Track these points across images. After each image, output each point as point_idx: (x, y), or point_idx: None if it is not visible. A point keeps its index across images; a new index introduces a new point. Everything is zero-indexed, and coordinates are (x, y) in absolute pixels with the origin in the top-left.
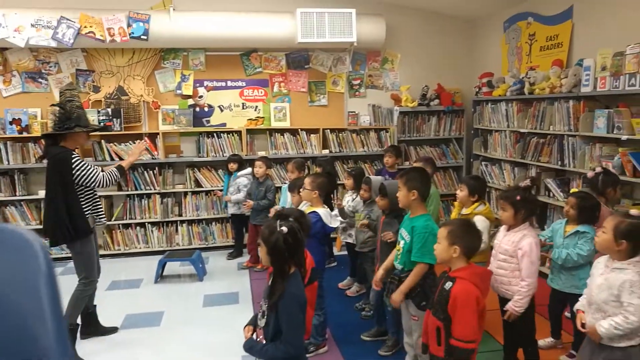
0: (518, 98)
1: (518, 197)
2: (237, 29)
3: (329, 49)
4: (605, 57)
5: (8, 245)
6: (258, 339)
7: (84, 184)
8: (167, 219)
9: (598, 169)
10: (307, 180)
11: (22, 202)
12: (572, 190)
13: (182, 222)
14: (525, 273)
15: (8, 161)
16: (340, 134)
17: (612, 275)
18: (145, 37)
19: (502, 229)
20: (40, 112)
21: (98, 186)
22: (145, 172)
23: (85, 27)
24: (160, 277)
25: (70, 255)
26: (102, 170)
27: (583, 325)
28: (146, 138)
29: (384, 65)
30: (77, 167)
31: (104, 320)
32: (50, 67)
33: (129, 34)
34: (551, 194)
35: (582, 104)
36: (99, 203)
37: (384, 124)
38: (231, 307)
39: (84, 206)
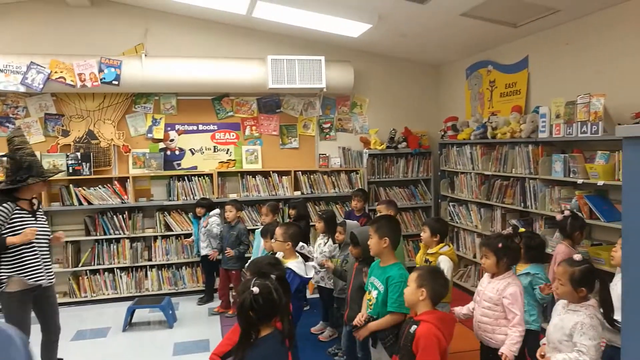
0: (481, 142)
1: (500, 245)
2: (208, 74)
3: (300, 94)
4: (558, 105)
5: None
6: None
7: None
8: (136, 264)
9: (567, 212)
10: (278, 232)
11: None
12: (520, 230)
13: (151, 266)
14: (515, 321)
15: None
16: (312, 176)
17: (567, 316)
18: (116, 83)
19: (486, 276)
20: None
21: None
22: (114, 216)
23: (55, 72)
24: (129, 324)
25: None
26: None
27: (543, 356)
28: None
29: (353, 109)
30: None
31: None
32: (18, 111)
33: (100, 79)
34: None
35: (540, 149)
36: (29, 262)
37: (354, 166)
38: (201, 355)
39: (4, 263)
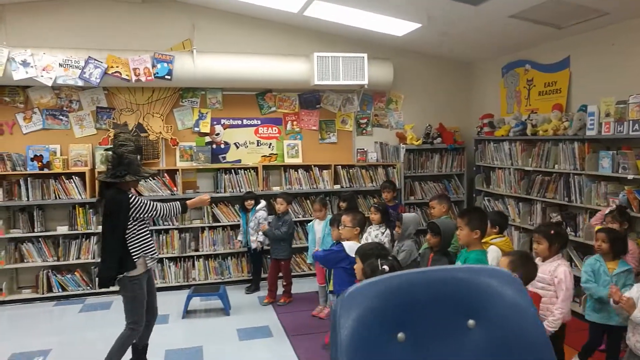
0: (521, 138)
1: (552, 232)
2: (254, 70)
3: (339, 90)
4: (608, 104)
5: None
6: None
7: (145, 217)
8: (184, 254)
9: (612, 206)
10: (347, 219)
11: (39, 239)
12: (596, 228)
13: (198, 257)
14: (561, 297)
15: (27, 197)
16: (351, 170)
17: None
18: (169, 77)
19: (537, 260)
20: (60, 149)
21: (159, 216)
22: None
23: (111, 67)
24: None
25: (88, 291)
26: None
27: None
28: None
29: (388, 105)
30: (134, 204)
31: (147, 354)
32: (72, 104)
33: (154, 74)
34: None
35: (586, 146)
36: (152, 242)
37: (390, 161)
38: (267, 341)
39: (133, 246)
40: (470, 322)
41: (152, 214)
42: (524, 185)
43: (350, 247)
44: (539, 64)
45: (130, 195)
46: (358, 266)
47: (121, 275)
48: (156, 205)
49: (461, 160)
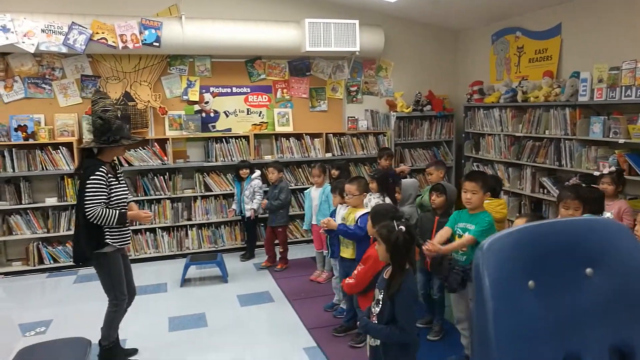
0: (512, 105)
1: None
2: (244, 36)
3: (329, 57)
4: (601, 70)
5: None
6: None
7: (83, 200)
8: (177, 224)
9: (612, 168)
10: (352, 187)
11: (27, 211)
12: (604, 171)
13: (191, 226)
14: None
15: (13, 169)
16: (342, 138)
17: None
18: (157, 44)
19: None
20: (44, 118)
21: (90, 218)
22: (155, 177)
23: (97, 33)
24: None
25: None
26: (108, 207)
27: None
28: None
29: (378, 72)
30: (91, 184)
31: (150, 322)
32: (55, 72)
33: (142, 41)
34: (545, 191)
35: (577, 111)
36: (122, 227)
37: (381, 128)
38: (269, 305)
39: (107, 226)
40: (588, 270)
41: (86, 208)
42: (514, 151)
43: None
44: (529, 31)
45: (96, 174)
46: (370, 224)
47: (94, 252)
48: (93, 204)
49: (450, 127)
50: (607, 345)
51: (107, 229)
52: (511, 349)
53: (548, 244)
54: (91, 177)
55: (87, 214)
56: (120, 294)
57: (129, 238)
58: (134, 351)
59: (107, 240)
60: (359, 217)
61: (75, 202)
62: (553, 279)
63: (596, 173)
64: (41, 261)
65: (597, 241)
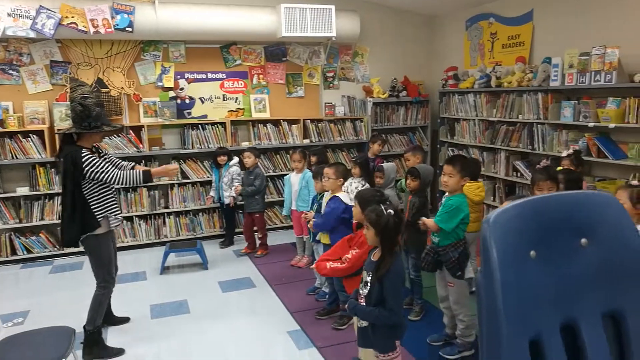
0: (486, 90)
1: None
2: (219, 21)
3: (305, 42)
4: (572, 56)
5: None
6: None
7: (96, 179)
8: (154, 212)
9: (571, 150)
10: (329, 171)
11: None
12: (558, 168)
13: (169, 214)
14: None
15: None
16: (319, 124)
17: None
18: (130, 29)
19: None
20: (12, 105)
21: (113, 182)
22: None
23: (66, 17)
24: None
25: (55, 253)
26: (132, 168)
27: None
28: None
29: (354, 58)
30: (88, 164)
31: (132, 309)
32: (22, 58)
33: (114, 26)
34: (519, 174)
35: (549, 96)
36: (114, 202)
37: (358, 114)
38: (251, 291)
39: (94, 206)
40: (583, 240)
41: (104, 177)
42: (488, 135)
43: (345, 196)
44: (502, 17)
45: (84, 154)
46: (356, 209)
47: (85, 235)
48: (110, 169)
49: (425, 113)
50: (601, 311)
51: (102, 208)
52: (517, 317)
53: (547, 216)
54: (83, 158)
55: (111, 182)
56: (109, 276)
57: (119, 212)
58: (126, 319)
59: (108, 216)
60: (330, 199)
61: (47, 192)
62: (552, 249)
63: (563, 155)
64: (14, 252)
65: (589, 212)
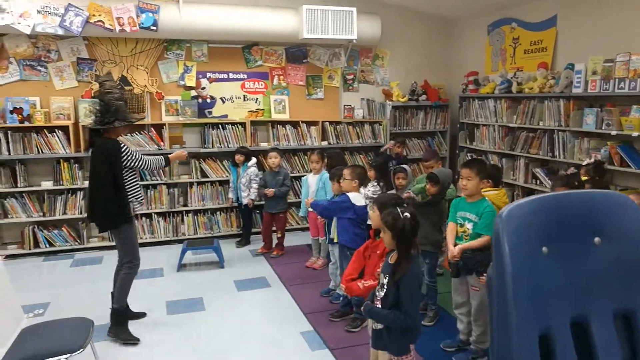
0: (507, 96)
1: (576, 183)
2: (241, 22)
3: (326, 44)
4: (596, 63)
5: None
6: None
7: (133, 167)
8: (173, 209)
9: (594, 159)
10: (346, 172)
11: (23, 194)
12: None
13: (187, 212)
14: None
15: (9, 151)
16: (338, 126)
17: None
18: (154, 28)
19: None
20: (39, 101)
21: (145, 168)
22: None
23: (93, 15)
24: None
25: (76, 247)
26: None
27: None
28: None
29: (375, 61)
30: (125, 152)
31: (148, 305)
32: (50, 54)
33: (139, 24)
34: (538, 182)
35: (571, 103)
36: (139, 189)
37: (377, 117)
38: (266, 291)
39: (129, 193)
40: (597, 239)
41: (139, 164)
42: (508, 142)
43: (356, 197)
44: (525, 22)
45: (121, 144)
46: (375, 215)
47: (119, 218)
48: (143, 156)
49: (445, 118)
50: (612, 310)
51: (132, 191)
52: (527, 309)
53: (561, 213)
54: (122, 149)
55: (143, 167)
56: (135, 258)
57: (143, 198)
58: (142, 314)
59: (136, 203)
60: (339, 194)
61: (70, 187)
62: (565, 246)
63: (583, 163)
64: (37, 245)
65: (604, 212)
